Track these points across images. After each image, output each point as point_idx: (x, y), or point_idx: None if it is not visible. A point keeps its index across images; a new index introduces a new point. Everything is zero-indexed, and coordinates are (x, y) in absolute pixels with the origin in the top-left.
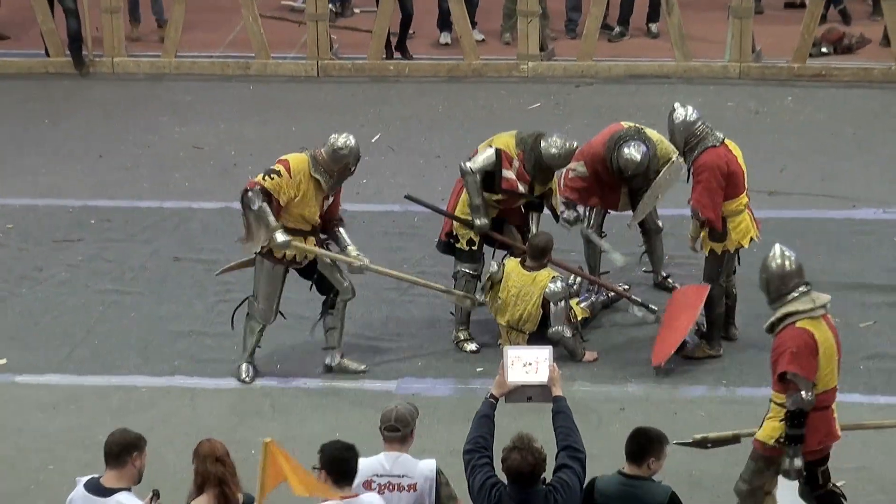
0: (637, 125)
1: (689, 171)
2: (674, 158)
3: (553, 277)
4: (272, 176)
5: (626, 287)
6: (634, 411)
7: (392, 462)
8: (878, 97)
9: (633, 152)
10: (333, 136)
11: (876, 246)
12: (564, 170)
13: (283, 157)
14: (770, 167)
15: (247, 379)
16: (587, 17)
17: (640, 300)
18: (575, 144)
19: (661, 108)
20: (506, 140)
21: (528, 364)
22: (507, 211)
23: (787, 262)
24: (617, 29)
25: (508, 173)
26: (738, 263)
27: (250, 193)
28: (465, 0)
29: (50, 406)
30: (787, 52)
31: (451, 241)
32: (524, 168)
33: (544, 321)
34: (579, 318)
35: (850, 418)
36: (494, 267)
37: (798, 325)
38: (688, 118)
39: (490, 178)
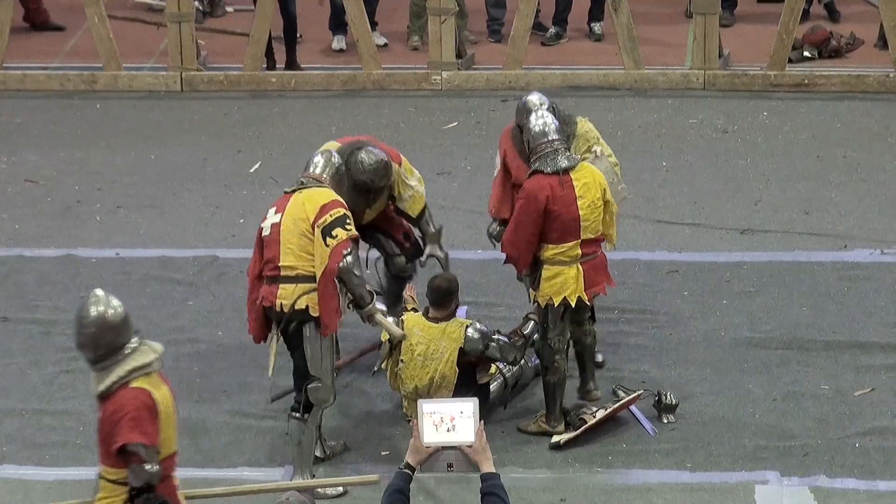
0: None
1: None
2: (596, 150)
3: (467, 325)
4: (348, 224)
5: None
6: (577, 503)
7: None
8: (873, 111)
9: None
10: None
11: (872, 295)
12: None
13: (331, 199)
14: (742, 198)
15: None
16: (515, 15)
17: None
18: (384, 153)
19: (607, 126)
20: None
21: (449, 421)
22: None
23: (109, 312)
24: (552, 30)
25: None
26: (591, 316)
27: (350, 258)
28: None
29: None
30: (761, 57)
31: None
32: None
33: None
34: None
35: None
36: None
37: (133, 385)
38: (535, 128)
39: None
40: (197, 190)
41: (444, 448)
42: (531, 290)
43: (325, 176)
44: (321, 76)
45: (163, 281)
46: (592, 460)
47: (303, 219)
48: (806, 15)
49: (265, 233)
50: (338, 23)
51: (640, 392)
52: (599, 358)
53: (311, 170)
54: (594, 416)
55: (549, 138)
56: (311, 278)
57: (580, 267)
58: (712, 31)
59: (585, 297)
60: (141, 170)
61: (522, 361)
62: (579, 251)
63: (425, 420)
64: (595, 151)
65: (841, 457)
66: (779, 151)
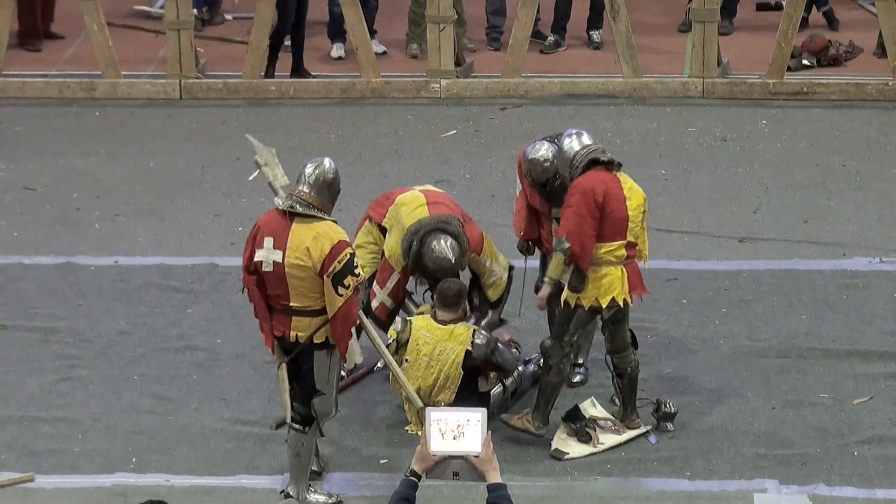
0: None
1: None
2: None
3: (475, 330)
4: (357, 269)
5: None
6: None
7: None
8: (872, 119)
9: (534, 151)
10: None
11: (871, 303)
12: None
13: (336, 240)
14: (741, 207)
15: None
16: (514, 23)
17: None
18: (459, 249)
19: (606, 134)
20: (392, 244)
21: (456, 429)
22: None
23: None
24: (551, 38)
25: (376, 287)
26: (634, 344)
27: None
28: (361, 3)
29: None
30: (760, 66)
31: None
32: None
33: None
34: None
35: None
36: (399, 325)
37: None
38: (573, 147)
39: None
40: (196, 198)
41: (451, 457)
42: (565, 293)
43: (312, 193)
44: (320, 84)
45: (162, 289)
46: (591, 468)
47: (308, 266)
48: (805, 23)
49: (266, 268)
50: (336, 31)
51: (649, 428)
52: (577, 378)
53: (301, 185)
54: (601, 443)
55: (590, 146)
56: (325, 311)
57: (624, 269)
58: (711, 40)
59: (630, 299)
60: (140, 177)
61: (521, 368)
62: (625, 252)
63: (432, 428)
64: None
65: (840, 465)
66: (778, 160)
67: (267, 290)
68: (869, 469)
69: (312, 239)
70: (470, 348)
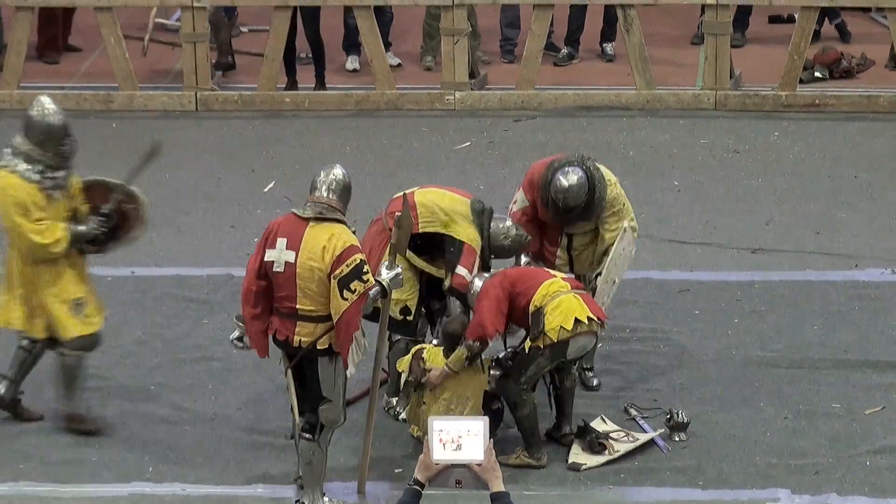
0: (588, 157)
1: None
2: (625, 225)
3: (489, 365)
4: (365, 274)
5: None
6: None
7: None
8: (883, 131)
9: (565, 179)
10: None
11: (884, 314)
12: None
13: (347, 245)
14: (753, 218)
15: None
16: (527, 35)
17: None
18: (523, 234)
19: (618, 147)
20: (468, 231)
21: (458, 438)
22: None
23: None
24: (564, 50)
25: (464, 272)
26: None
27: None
28: (376, 15)
29: None
30: (772, 78)
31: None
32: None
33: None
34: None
35: None
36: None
37: None
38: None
39: (429, 245)
40: (211, 209)
41: (454, 465)
42: (527, 343)
43: (332, 197)
44: (335, 96)
45: (177, 299)
46: (605, 478)
47: (319, 268)
48: (817, 36)
49: (276, 268)
50: (351, 43)
51: (662, 431)
52: (595, 382)
53: (320, 191)
54: (616, 450)
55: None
56: (330, 317)
57: (577, 295)
58: (724, 52)
59: (595, 317)
60: (156, 189)
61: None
62: (567, 284)
63: (435, 437)
64: (624, 226)
65: (852, 475)
66: (790, 171)
67: (274, 292)
68: (881, 478)
69: (327, 239)
70: (488, 388)
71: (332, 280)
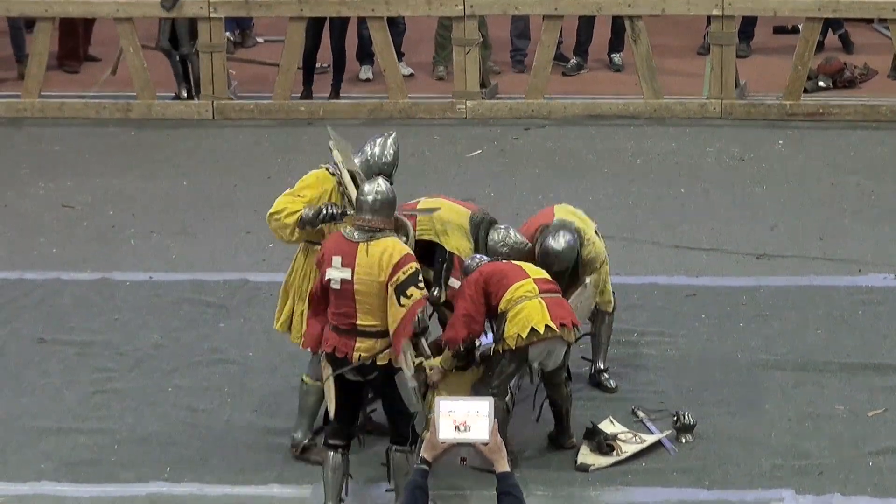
0: (570, 216)
1: None
2: (587, 281)
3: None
4: (421, 283)
5: None
6: None
7: None
8: (886, 140)
9: (555, 242)
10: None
11: (886, 318)
12: None
13: (403, 254)
14: (758, 225)
15: None
16: (537, 46)
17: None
18: (523, 241)
19: (626, 155)
20: (460, 242)
21: (464, 418)
22: None
23: None
24: (573, 60)
25: (457, 284)
26: (567, 376)
27: (421, 316)
28: (389, 26)
29: None
30: (777, 87)
31: None
32: None
33: None
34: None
35: None
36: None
37: None
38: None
39: (428, 254)
40: (228, 216)
41: (460, 444)
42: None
43: (377, 218)
44: (349, 105)
45: (195, 304)
46: (612, 479)
47: (378, 281)
48: (821, 46)
49: (334, 286)
50: (365, 53)
51: (669, 432)
52: (613, 384)
53: (363, 213)
54: (624, 451)
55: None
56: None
57: (543, 301)
58: (729, 62)
59: (554, 325)
60: (174, 196)
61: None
62: (536, 286)
63: (441, 417)
64: (586, 281)
65: (855, 475)
66: (794, 179)
67: (332, 309)
68: (884, 479)
69: (381, 254)
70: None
71: (390, 288)
